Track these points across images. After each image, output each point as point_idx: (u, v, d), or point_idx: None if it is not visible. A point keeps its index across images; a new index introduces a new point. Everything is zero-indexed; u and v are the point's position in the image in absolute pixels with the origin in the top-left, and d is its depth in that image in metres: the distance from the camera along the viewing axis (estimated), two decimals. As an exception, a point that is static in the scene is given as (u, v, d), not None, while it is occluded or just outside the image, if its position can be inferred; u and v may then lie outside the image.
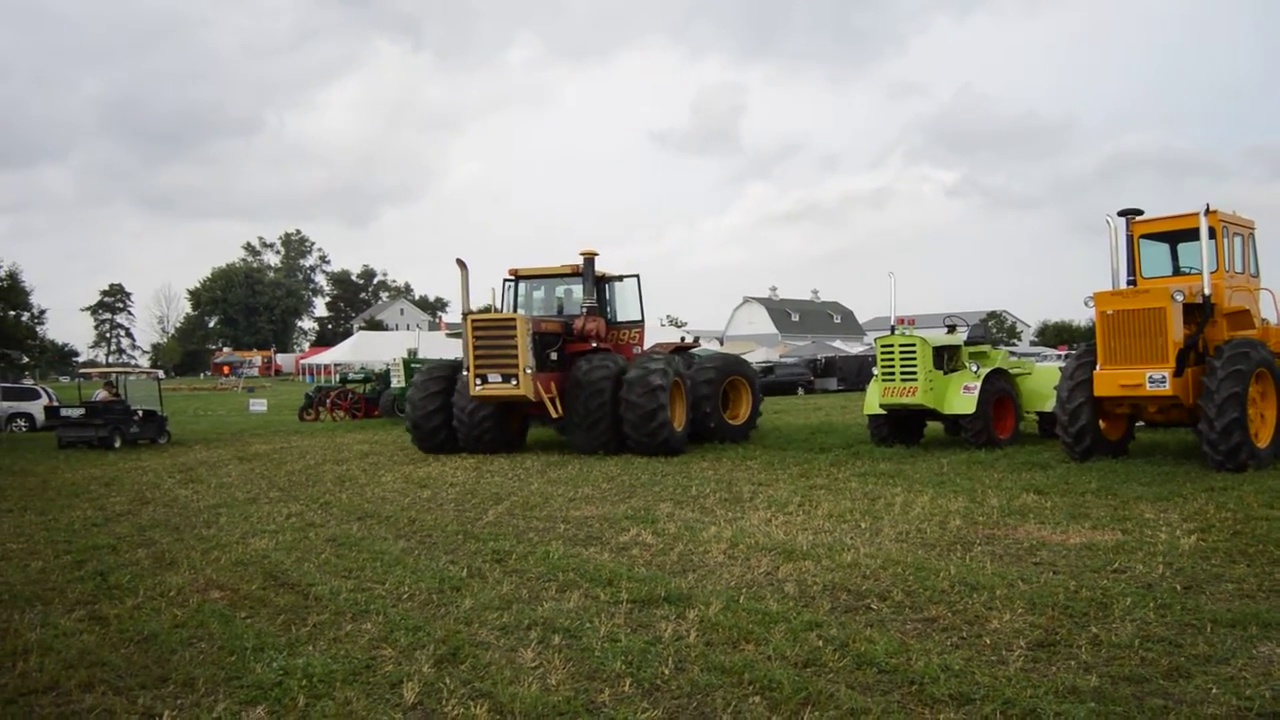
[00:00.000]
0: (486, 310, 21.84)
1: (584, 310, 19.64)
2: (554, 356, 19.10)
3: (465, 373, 18.15)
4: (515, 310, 20.58)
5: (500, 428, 19.18)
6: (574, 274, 20.27)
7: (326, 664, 5.94)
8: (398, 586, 8.04)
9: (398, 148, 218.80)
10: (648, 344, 21.37)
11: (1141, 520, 10.05)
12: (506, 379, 17.68)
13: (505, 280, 20.93)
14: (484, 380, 17.78)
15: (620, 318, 21.13)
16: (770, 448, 19.39)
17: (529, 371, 17.59)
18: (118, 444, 23.97)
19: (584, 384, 18.14)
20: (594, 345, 19.51)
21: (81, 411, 24.57)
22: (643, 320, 21.19)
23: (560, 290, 21.49)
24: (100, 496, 14.56)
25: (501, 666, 5.86)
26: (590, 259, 19.61)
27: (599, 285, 20.47)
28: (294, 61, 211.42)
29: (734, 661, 5.80)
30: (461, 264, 18.06)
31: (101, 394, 26.20)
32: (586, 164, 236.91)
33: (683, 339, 23.69)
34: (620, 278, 20.95)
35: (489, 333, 17.82)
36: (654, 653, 6.03)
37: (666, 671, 5.69)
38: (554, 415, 18.29)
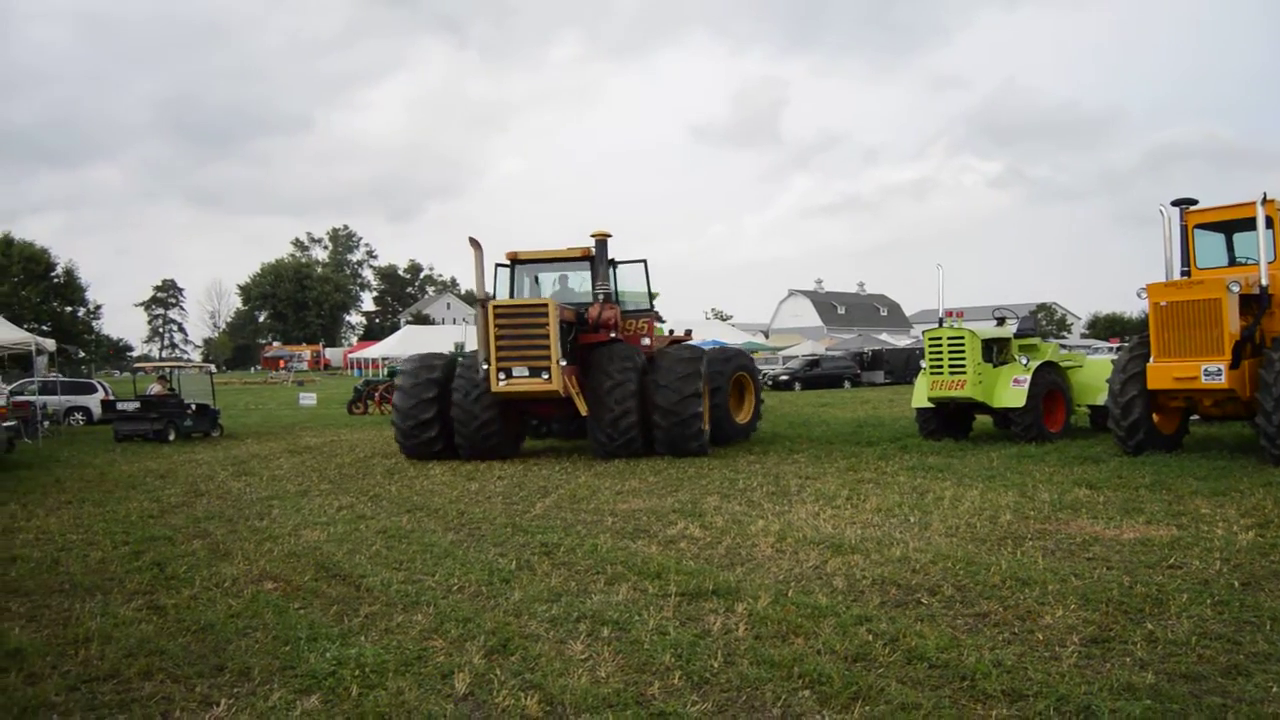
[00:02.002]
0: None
1: (599, 297, 17.72)
2: (566, 348, 16.94)
3: (485, 365, 15.85)
4: (512, 298, 18.50)
5: (506, 429, 17.33)
6: (583, 258, 18.26)
7: (379, 654, 6.00)
8: (448, 578, 8.11)
9: (443, 144, 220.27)
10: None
11: (1197, 515, 9.89)
12: (535, 373, 15.78)
13: (499, 265, 18.75)
14: (508, 375, 15.82)
15: (627, 306, 19.11)
16: (817, 441, 19.32)
17: (563, 364, 15.90)
18: (172, 437, 24.53)
19: (609, 379, 16.49)
20: (612, 336, 17.78)
21: (136, 405, 25.09)
22: (651, 309, 19.31)
23: (555, 277, 19.50)
24: (156, 489, 14.83)
25: (551, 658, 5.90)
26: (603, 240, 17.69)
27: (588, 269, 18.46)
28: (341, 60, 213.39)
29: (783, 655, 5.79)
30: (475, 244, 15.75)
31: (155, 388, 26.70)
32: (628, 158, 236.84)
33: (670, 331, 22.35)
34: (617, 263, 18.86)
35: (516, 320, 15.87)
36: (703, 646, 6.03)
37: (716, 664, 5.69)
38: (583, 412, 16.50)
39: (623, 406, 16.39)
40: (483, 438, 16.94)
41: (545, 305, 16.02)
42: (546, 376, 15.78)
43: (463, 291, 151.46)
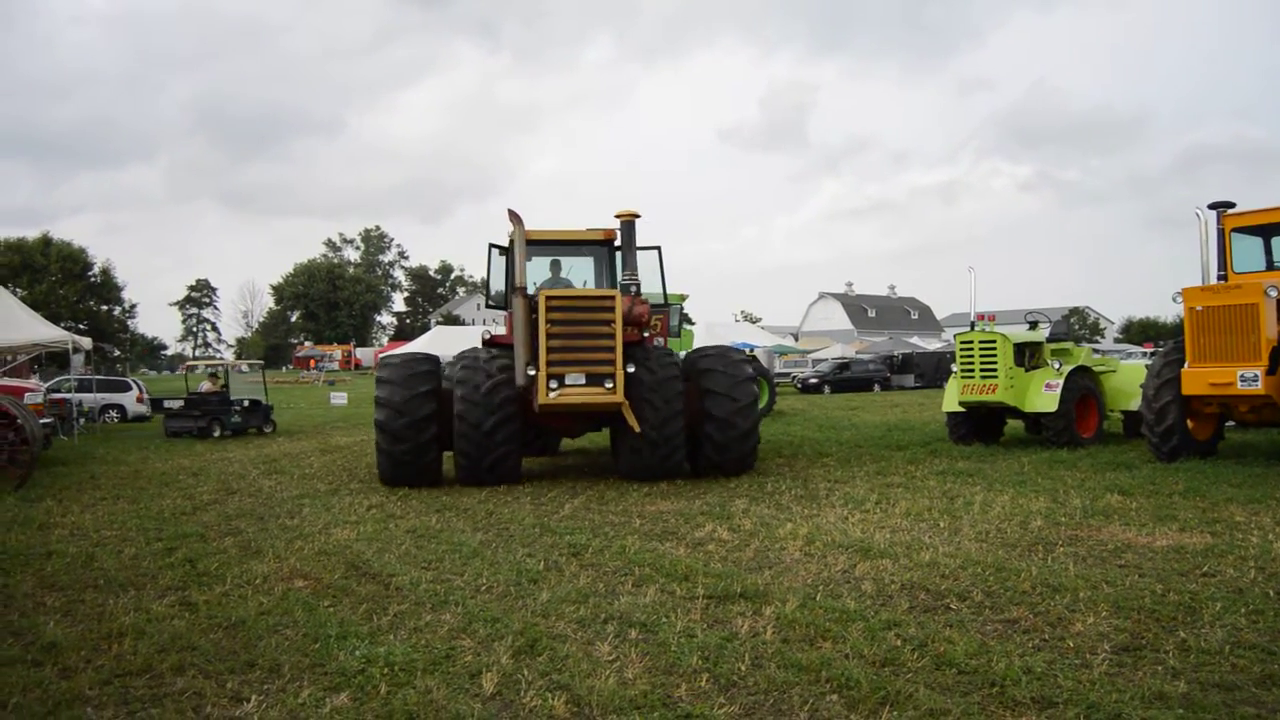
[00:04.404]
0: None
1: (630, 290, 14.51)
2: None
3: (531, 372, 13.12)
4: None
5: (520, 449, 14.16)
6: (604, 241, 15.44)
7: (407, 653, 6.04)
8: (476, 578, 8.14)
9: (474, 146, 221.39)
10: None
11: (1232, 523, 9.77)
12: (595, 381, 13.10)
13: (493, 246, 15.41)
14: (559, 383, 13.08)
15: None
16: (846, 445, 19.24)
17: (630, 370, 13.39)
18: (216, 433, 25.17)
19: (656, 386, 13.69)
20: (643, 336, 14.90)
21: (181, 404, 26.00)
22: (666, 304, 16.43)
23: (548, 263, 15.96)
24: (188, 486, 14.98)
25: (579, 659, 5.91)
26: (630, 222, 14.53)
27: (609, 258, 15.66)
28: (375, 63, 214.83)
29: (811, 659, 5.77)
30: (515, 217, 13.35)
31: (206, 385, 27.45)
32: (657, 161, 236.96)
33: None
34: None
35: (575, 315, 13.22)
36: (730, 649, 6.02)
37: (743, 667, 5.68)
38: (636, 429, 13.48)
39: (670, 409, 13.71)
40: (501, 461, 13.73)
41: (611, 298, 13.41)
42: (610, 386, 13.14)
43: (493, 292, 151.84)
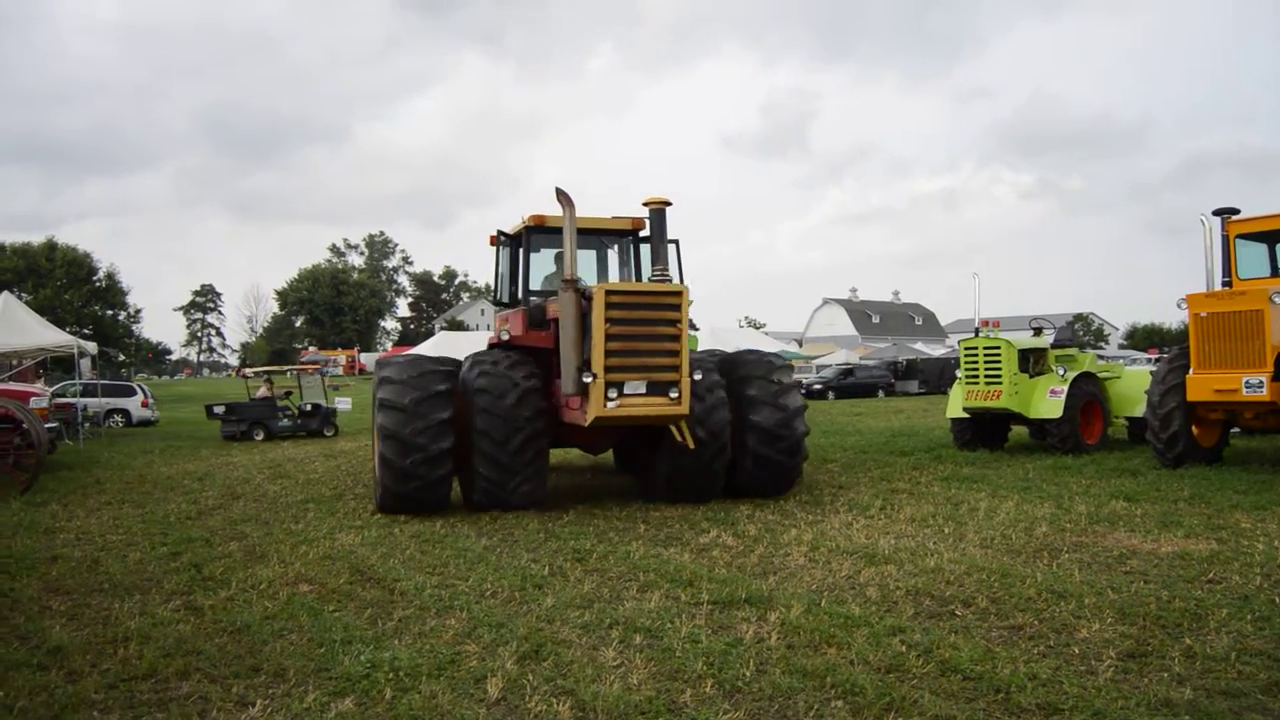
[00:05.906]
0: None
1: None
2: None
3: (587, 379, 10.79)
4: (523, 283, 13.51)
5: (546, 468, 12.45)
6: (631, 230, 13.71)
7: (412, 658, 6.05)
8: (480, 583, 8.15)
9: (478, 153, 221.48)
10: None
11: (1237, 529, 9.75)
12: (658, 390, 10.99)
13: (501, 234, 13.94)
14: (619, 391, 10.93)
15: None
16: (850, 450, 19.24)
17: (696, 377, 11.51)
18: (259, 437, 26.05)
19: (699, 395, 11.96)
20: None
21: (223, 409, 27.00)
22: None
23: (552, 255, 13.92)
24: (194, 490, 15.00)
25: (584, 665, 5.91)
26: (661, 210, 11.78)
27: (631, 248, 13.97)
28: (380, 72, 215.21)
29: (816, 665, 5.77)
30: (564, 198, 11.19)
31: (263, 390, 28.43)
32: (660, 167, 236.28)
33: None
34: (640, 241, 13.82)
35: (638, 314, 10.96)
36: (735, 654, 6.02)
37: (748, 673, 5.68)
38: (691, 445, 11.69)
39: (717, 424, 12.18)
40: (531, 482, 12.01)
41: (678, 294, 11.21)
42: (675, 395, 11.06)
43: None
